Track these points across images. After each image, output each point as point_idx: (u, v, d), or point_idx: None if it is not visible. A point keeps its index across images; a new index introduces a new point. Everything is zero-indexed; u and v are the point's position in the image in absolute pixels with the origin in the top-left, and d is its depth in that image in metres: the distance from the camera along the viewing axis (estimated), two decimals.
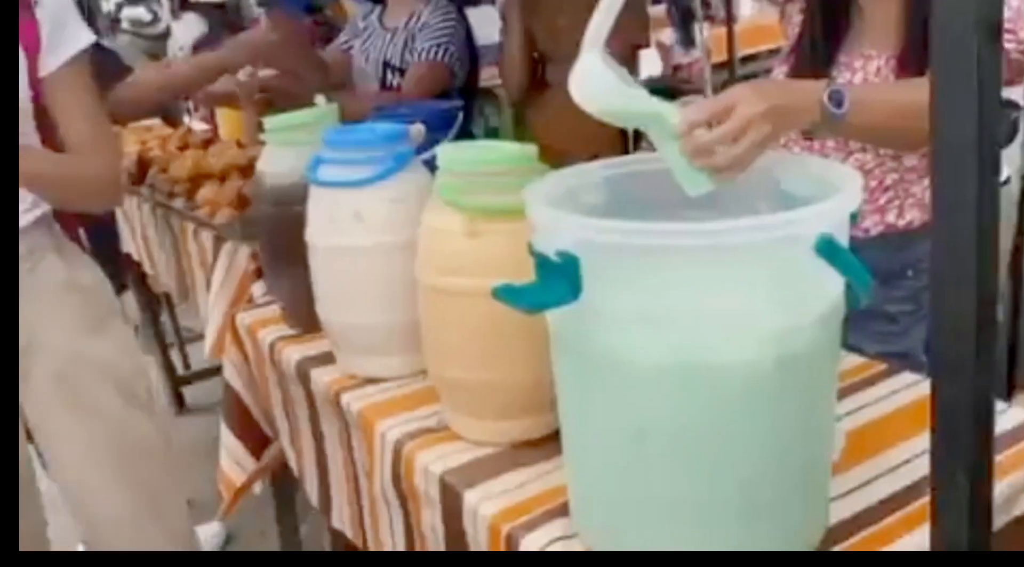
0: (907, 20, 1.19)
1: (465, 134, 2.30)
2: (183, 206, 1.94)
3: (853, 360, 1.21)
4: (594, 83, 0.91)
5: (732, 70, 5.05)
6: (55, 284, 1.40)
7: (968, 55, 0.53)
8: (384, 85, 2.30)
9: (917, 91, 1.09)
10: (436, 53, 2.25)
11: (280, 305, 1.57)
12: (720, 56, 5.75)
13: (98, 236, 1.59)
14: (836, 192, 0.80)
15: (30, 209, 1.35)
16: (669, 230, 0.74)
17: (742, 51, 5.29)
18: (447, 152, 1.11)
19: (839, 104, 1.02)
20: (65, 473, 1.46)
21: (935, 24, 0.58)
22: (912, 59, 1.18)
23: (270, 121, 1.51)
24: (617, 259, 0.77)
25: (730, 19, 5.07)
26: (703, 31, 6.23)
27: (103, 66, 1.71)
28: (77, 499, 1.47)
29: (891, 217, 1.31)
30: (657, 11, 7.73)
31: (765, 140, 0.92)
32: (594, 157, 1.02)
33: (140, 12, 4.44)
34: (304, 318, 1.45)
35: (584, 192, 0.97)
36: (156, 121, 2.84)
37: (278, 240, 1.50)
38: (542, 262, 0.80)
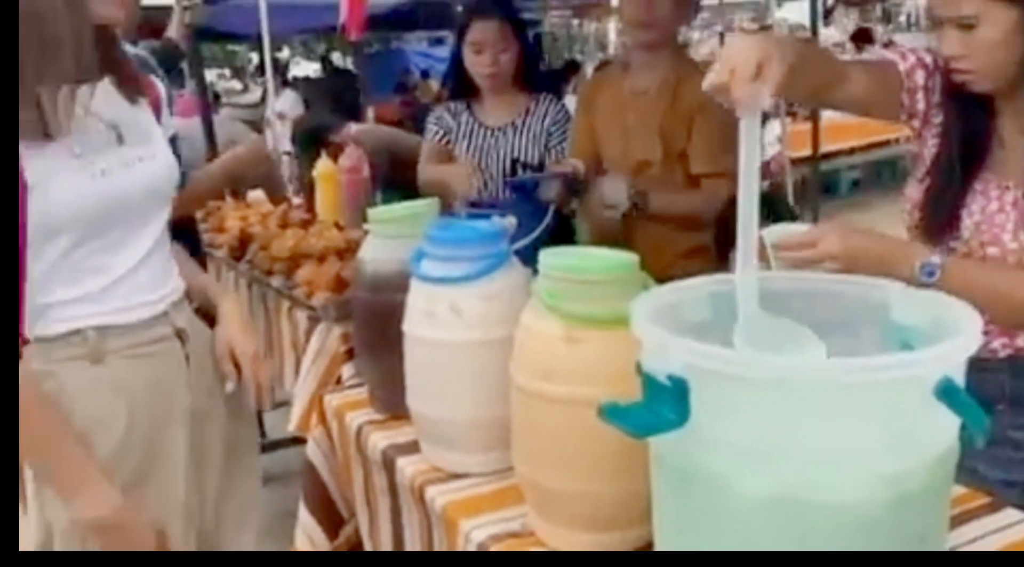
0: None
1: (564, 219, 2.32)
2: (281, 284, 2.01)
3: (955, 490, 1.17)
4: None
5: (816, 167, 5.06)
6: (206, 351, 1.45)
7: None
8: (512, 184, 2.29)
9: (1018, 281, 1.10)
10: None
11: (369, 389, 1.60)
12: (800, 152, 5.76)
13: None
14: (953, 331, 0.79)
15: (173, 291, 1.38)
16: (783, 364, 0.74)
17: (824, 148, 5.29)
18: (548, 257, 1.13)
19: (930, 275, 1.11)
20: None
21: None
22: None
23: (374, 212, 1.57)
24: (727, 387, 0.77)
25: (815, 116, 5.08)
26: (785, 127, 6.28)
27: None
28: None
29: (1021, 341, 1.28)
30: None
31: (836, 272, 1.07)
32: None
33: (233, 84, 4.80)
34: (393, 405, 1.48)
35: (688, 307, 0.97)
36: (259, 194, 2.96)
37: (374, 326, 1.54)
38: (650, 383, 0.81)
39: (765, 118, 7.03)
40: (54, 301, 1.21)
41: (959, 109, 1.26)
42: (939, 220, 1.27)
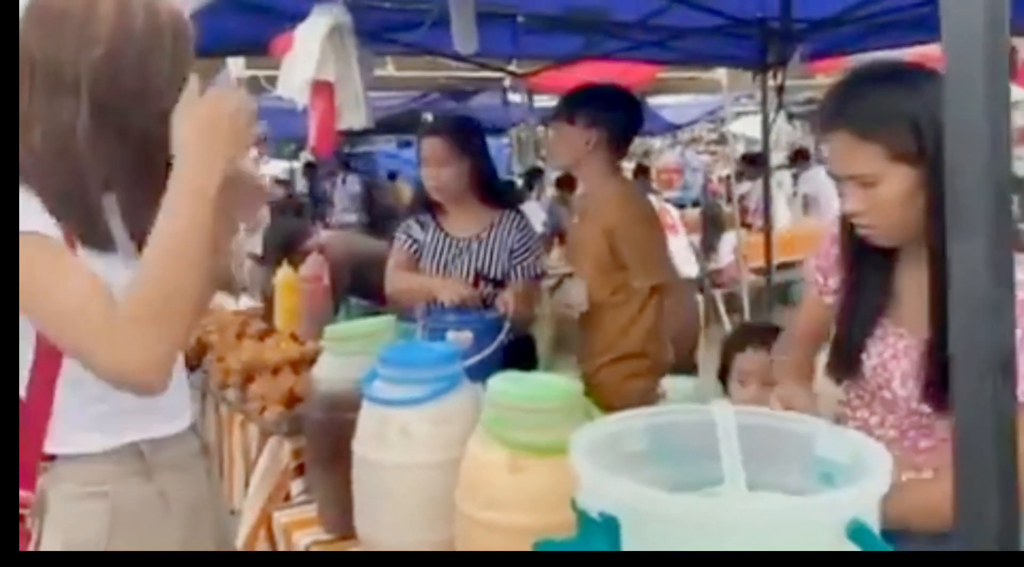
0: (934, 315, 1.19)
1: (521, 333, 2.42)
2: (235, 397, 2.02)
3: None
4: None
5: (769, 277, 5.20)
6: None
7: (985, 392, 0.59)
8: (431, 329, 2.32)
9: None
10: (536, 268, 2.41)
11: (319, 507, 1.60)
12: (756, 262, 5.95)
13: None
14: (870, 469, 0.83)
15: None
16: (705, 505, 0.78)
17: (778, 259, 5.47)
18: (495, 385, 1.17)
19: None
20: None
21: (954, 357, 0.64)
22: (939, 350, 1.18)
23: (330, 329, 1.60)
24: (657, 525, 0.80)
25: (768, 228, 5.24)
26: (740, 238, 6.49)
27: None
28: None
29: (925, 475, 1.32)
30: (693, 214, 8.10)
31: None
32: None
33: None
34: (341, 524, 1.47)
35: (626, 439, 1.01)
36: (218, 303, 2.96)
37: (325, 444, 1.55)
38: (584, 519, 0.84)
39: (721, 229, 7.34)
40: (108, 410, 1.14)
41: (862, 263, 1.30)
42: (843, 364, 1.33)
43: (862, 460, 0.89)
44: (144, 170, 1.16)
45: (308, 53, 1.81)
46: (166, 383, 1.09)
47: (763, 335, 1.98)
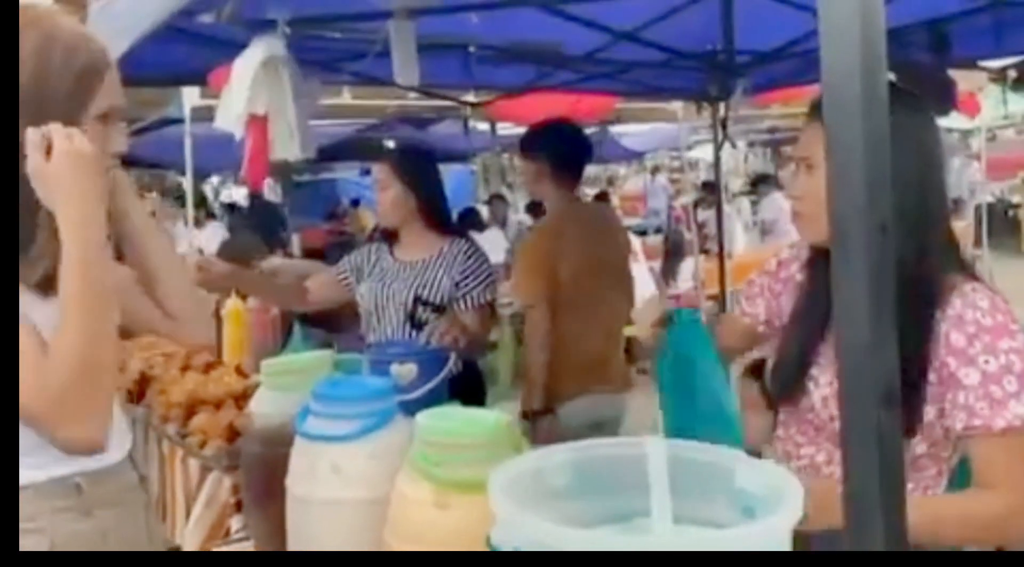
0: None
1: (469, 364, 2.43)
2: (176, 432, 1.99)
3: None
4: None
5: (723, 303, 5.28)
6: None
7: (871, 420, 0.61)
8: (413, 320, 2.37)
9: None
10: (484, 296, 2.40)
11: (255, 543, 1.58)
12: (714, 287, 6.04)
13: None
14: (786, 501, 0.84)
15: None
16: (616, 543, 0.78)
17: (734, 285, 5.54)
18: (423, 420, 1.16)
19: None
20: None
21: (844, 394, 0.65)
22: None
23: (266, 363, 1.59)
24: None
25: (722, 255, 5.31)
26: (699, 264, 6.57)
27: None
28: None
29: None
30: (655, 241, 8.19)
31: None
32: None
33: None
34: None
35: (550, 473, 1.01)
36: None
37: (261, 480, 1.53)
38: None
39: (683, 256, 7.44)
40: (41, 440, 1.07)
41: (806, 279, 1.34)
42: (785, 390, 1.33)
43: (779, 492, 0.90)
44: None
45: (242, 86, 1.81)
46: (108, 440, 1.09)
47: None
